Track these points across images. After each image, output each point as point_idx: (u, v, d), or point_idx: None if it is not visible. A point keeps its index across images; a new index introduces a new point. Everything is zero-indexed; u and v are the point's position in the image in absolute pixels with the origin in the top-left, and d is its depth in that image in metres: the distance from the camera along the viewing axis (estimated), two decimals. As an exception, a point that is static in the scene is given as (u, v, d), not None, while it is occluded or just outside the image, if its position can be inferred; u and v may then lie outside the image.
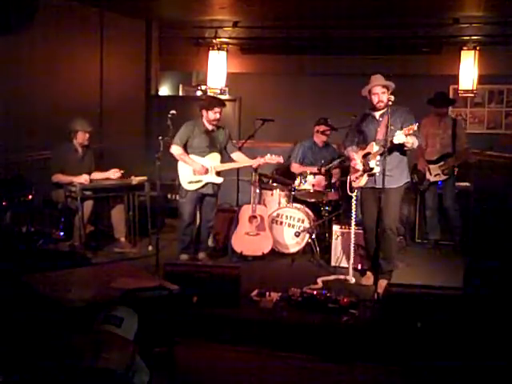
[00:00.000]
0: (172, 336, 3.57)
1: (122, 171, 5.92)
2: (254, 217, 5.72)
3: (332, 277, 5.20)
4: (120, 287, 3.65)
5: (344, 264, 5.50)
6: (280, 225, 5.99)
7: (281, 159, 5.55)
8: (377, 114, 4.83)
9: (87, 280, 4.16)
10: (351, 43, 7.69)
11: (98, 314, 2.87)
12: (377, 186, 4.69)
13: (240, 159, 5.66)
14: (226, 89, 8.26)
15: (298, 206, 6.06)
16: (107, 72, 7.35)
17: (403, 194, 4.95)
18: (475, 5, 6.65)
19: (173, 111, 5.19)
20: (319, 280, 5.02)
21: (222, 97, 8.04)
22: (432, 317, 3.78)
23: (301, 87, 8.11)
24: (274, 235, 5.90)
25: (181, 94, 9.27)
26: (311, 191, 6.03)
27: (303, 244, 5.87)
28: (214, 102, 5.51)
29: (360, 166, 4.83)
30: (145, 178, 5.93)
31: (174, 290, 3.73)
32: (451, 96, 7.44)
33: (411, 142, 4.57)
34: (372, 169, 4.73)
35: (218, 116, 5.43)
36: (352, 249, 5.20)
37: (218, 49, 7.84)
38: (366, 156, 4.81)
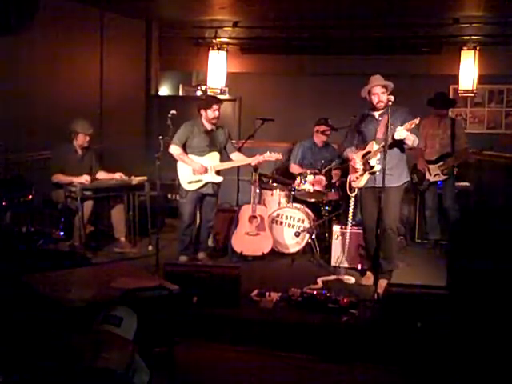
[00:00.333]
0: (172, 336, 3.58)
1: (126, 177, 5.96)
2: (254, 217, 5.72)
3: (332, 277, 5.20)
4: (120, 287, 3.65)
5: (344, 264, 5.52)
6: (280, 225, 5.99)
7: (280, 156, 5.55)
8: (376, 114, 4.83)
9: (87, 280, 4.16)
10: (351, 43, 7.69)
11: (98, 314, 2.87)
12: (377, 185, 4.69)
13: (239, 159, 5.67)
14: (226, 89, 8.27)
15: (298, 205, 6.06)
16: (107, 72, 7.35)
17: (403, 194, 4.96)
18: (475, 5, 6.64)
19: (173, 111, 5.19)
20: (319, 280, 5.02)
21: (222, 97, 8.05)
22: (432, 317, 3.78)
23: (301, 87, 8.11)
24: (274, 235, 5.90)
25: (181, 94, 9.27)
26: (311, 191, 6.03)
27: (303, 244, 5.87)
28: (211, 100, 5.52)
29: (360, 166, 4.83)
30: (145, 177, 5.93)
31: (174, 289, 3.73)
32: (451, 96, 7.44)
33: (412, 138, 4.58)
34: (373, 167, 4.73)
35: (217, 114, 5.44)
36: (346, 248, 5.21)
37: (218, 49, 7.84)
38: (365, 155, 4.81)
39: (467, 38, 7.35)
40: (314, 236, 5.82)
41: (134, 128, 7.93)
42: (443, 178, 6.24)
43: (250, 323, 4.22)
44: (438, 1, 6.43)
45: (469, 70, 7.30)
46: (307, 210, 6.06)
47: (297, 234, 5.89)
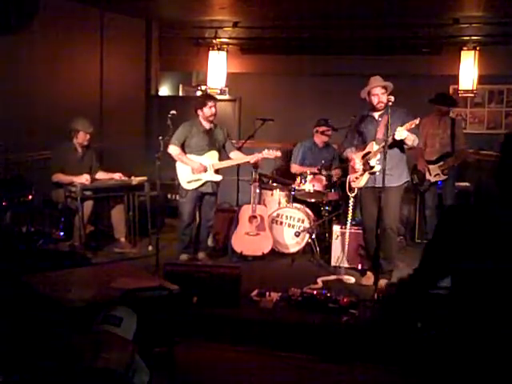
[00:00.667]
0: (172, 336, 3.57)
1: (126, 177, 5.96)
2: (254, 217, 5.72)
3: (332, 277, 5.20)
4: (120, 287, 3.64)
5: (344, 264, 5.52)
6: (280, 225, 5.99)
7: (278, 153, 5.54)
8: (376, 115, 4.83)
9: (87, 280, 4.15)
10: (351, 43, 7.68)
11: (98, 314, 2.87)
12: (377, 185, 4.69)
13: (238, 157, 5.67)
14: (226, 89, 8.26)
15: (298, 205, 6.06)
16: (107, 72, 7.35)
17: (403, 194, 4.96)
18: (475, 5, 6.64)
19: (173, 111, 5.19)
20: (319, 280, 5.02)
21: (222, 97, 8.07)
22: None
23: (301, 87, 8.10)
24: (274, 235, 5.90)
25: (181, 94, 9.27)
26: (311, 191, 6.03)
27: (303, 244, 5.87)
28: (205, 98, 5.56)
29: (360, 166, 4.84)
30: (145, 178, 5.93)
31: (174, 289, 3.73)
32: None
33: (412, 138, 4.59)
34: (373, 167, 4.74)
35: (213, 110, 5.45)
36: (346, 248, 5.20)
37: (218, 49, 7.84)
38: (365, 155, 4.81)
39: (467, 38, 7.35)
40: (313, 236, 5.82)
41: (134, 128, 7.93)
42: (443, 177, 6.25)
43: (250, 323, 4.23)
44: (438, 1, 6.43)
45: (469, 70, 7.30)
46: (307, 210, 6.06)
47: (297, 234, 5.89)
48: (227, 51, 7.96)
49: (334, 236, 5.65)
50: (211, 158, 5.50)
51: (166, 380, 3.28)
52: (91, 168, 5.96)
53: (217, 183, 5.57)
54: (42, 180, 5.76)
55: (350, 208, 5.15)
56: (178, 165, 5.50)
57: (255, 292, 4.58)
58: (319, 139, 6.48)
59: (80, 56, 6.92)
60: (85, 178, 5.61)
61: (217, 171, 5.52)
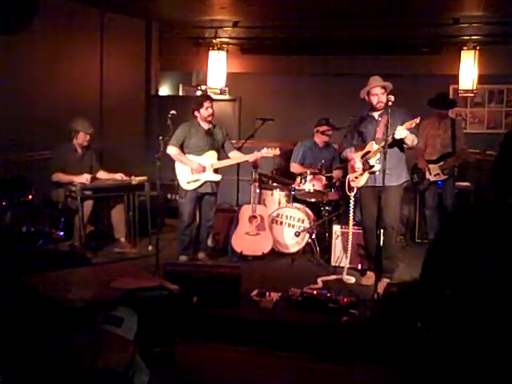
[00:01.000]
0: (172, 336, 3.57)
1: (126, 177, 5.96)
2: (254, 217, 5.72)
3: (332, 277, 5.20)
4: (120, 287, 3.64)
5: (344, 264, 5.51)
6: (280, 225, 5.99)
7: (277, 152, 5.54)
8: (376, 115, 4.84)
9: (87, 280, 4.15)
10: (351, 43, 7.68)
11: (98, 314, 2.87)
12: (377, 185, 4.70)
13: (237, 156, 5.67)
14: (226, 89, 8.26)
15: (298, 205, 6.05)
16: (107, 72, 7.35)
17: (403, 194, 4.96)
18: (475, 4, 6.64)
19: (173, 111, 5.19)
20: (319, 280, 5.02)
21: (222, 97, 8.07)
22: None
23: (301, 87, 8.10)
24: (274, 235, 5.90)
25: (181, 93, 9.26)
26: (311, 191, 6.03)
27: (303, 244, 5.87)
28: (201, 99, 5.57)
29: (359, 165, 4.84)
30: (145, 178, 5.93)
31: (173, 289, 3.73)
32: (451, 96, 7.44)
33: (411, 138, 4.60)
34: (372, 166, 4.74)
35: (210, 111, 5.45)
36: (349, 248, 5.19)
37: (218, 49, 7.84)
38: (365, 155, 4.81)
39: (467, 37, 7.35)
40: (313, 236, 5.82)
41: (134, 128, 7.93)
42: (443, 177, 6.25)
43: (250, 323, 4.22)
44: (437, 1, 6.43)
45: (469, 70, 7.30)
46: (307, 209, 6.06)
47: (297, 234, 5.89)
48: (227, 51, 7.96)
49: (334, 236, 5.65)
50: (210, 158, 5.50)
51: (166, 380, 3.28)
52: (91, 168, 5.96)
53: (216, 183, 5.57)
54: (42, 180, 5.76)
55: (351, 208, 5.14)
56: (177, 165, 5.50)
57: (255, 292, 4.58)
58: (320, 139, 6.48)
59: (80, 56, 6.92)
60: (85, 178, 5.61)
61: (216, 171, 5.52)
